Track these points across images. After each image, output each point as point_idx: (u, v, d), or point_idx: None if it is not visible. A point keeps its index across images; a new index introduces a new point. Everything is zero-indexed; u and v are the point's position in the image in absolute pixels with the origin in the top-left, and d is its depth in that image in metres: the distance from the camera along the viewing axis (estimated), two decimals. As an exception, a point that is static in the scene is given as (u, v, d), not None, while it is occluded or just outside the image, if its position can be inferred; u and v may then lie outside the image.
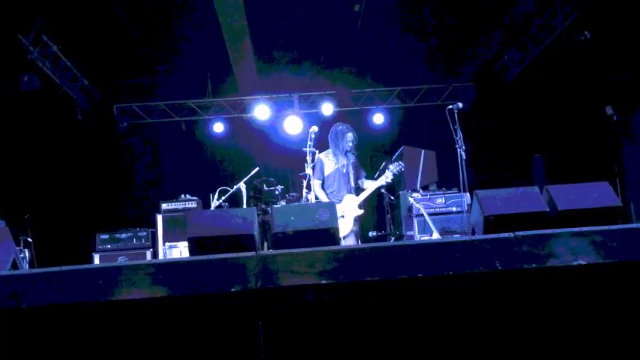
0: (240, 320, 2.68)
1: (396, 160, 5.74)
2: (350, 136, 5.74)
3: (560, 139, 8.37)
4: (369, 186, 5.64)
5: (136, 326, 2.67)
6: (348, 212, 5.50)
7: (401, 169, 5.63)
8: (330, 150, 5.84)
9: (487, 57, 9.13)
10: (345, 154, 5.73)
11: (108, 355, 2.65)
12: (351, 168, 5.71)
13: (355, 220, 5.55)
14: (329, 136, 5.86)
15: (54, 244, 7.05)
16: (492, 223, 3.30)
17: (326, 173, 5.73)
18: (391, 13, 7.87)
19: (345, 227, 5.43)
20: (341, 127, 5.84)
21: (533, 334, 2.74)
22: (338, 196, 5.60)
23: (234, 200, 6.65)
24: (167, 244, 7.57)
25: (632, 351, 2.74)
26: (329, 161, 5.75)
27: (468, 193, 5.56)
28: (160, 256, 7.47)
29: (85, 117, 9.03)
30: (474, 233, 3.56)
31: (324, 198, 5.63)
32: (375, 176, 5.77)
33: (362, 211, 5.59)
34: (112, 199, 9.01)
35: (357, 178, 5.77)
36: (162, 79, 9.28)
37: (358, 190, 5.72)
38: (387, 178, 5.57)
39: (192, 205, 7.82)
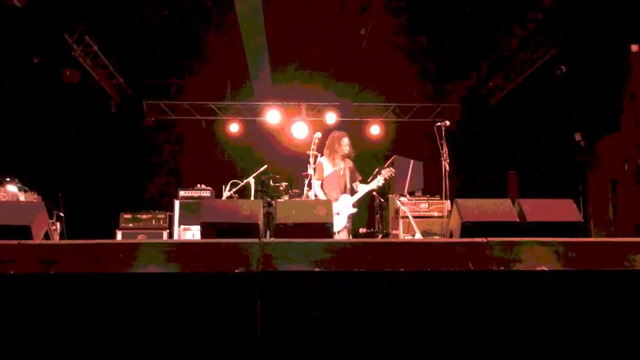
0: (240, 298, 2.68)
1: (389, 167, 5.73)
2: (345, 140, 5.74)
3: (534, 158, 8.37)
4: (362, 189, 5.63)
5: (149, 297, 2.68)
6: (343, 210, 5.50)
7: (392, 174, 5.63)
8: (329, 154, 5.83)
9: (474, 82, 9.14)
10: (343, 159, 5.73)
11: (123, 321, 2.65)
12: (348, 172, 5.70)
13: (349, 217, 5.54)
14: (327, 142, 5.85)
15: (82, 219, 7.05)
16: (468, 228, 3.30)
17: (325, 175, 5.73)
18: (391, 38, 7.88)
19: (340, 223, 5.42)
20: (337, 133, 5.85)
21: (496, 329, 2.75)
22: (335, 196, 5.59)
23: (244, 192, 6.64)
24: (182, 226, 7.57)
25: (580, 346, 2.74)
26: (328, 164, 5.74)
27: (448, 201, 5.57)
28: (175, 237, 7.47)
29: (117, 110, 9.03)
30: (451, 236, 3.56)
31: (322, 197, 5.62)
32: (369, 180, 5.77)
33: (355, 210, 5.59)
34: (136, 184, 9.01)
35: (352, 181, 5.75)
36: (187, 81, 9.29)
37: (352, 192, 5.70)
38: (378, 182, 5.57)
39: (207, 194, 7.82)
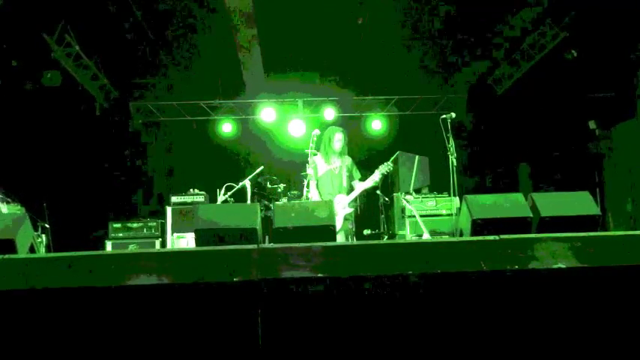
0: (240, 308, 2.68)
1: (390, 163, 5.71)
2: (337, 136, 5.65)
3: (546, 149, 8.38)
4: (358, 187, 5.61)
5: (143, 311, 2.68)
6: (338, 211, 5.46)
7: (389, 169, 5.60)
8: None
9: (480, 71, 9.13)
10: (339, 156, 5.69)
11: (115, 337, 2.65)
12: (345, 169, 5.66)
13: (346, 218, 5.52)
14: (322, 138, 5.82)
15: (69, 230, 7.04)
16: (479, 226, 3.30)
17: (319, 174, 5.69)
18: (391, 27, 7.88)
19: (336, 225, 5.38)
20: (330, 129, 5.80)
21: (512, 332, 2.74)
22: (329, 196, 5.56)
23: (239, 196, 6.63)
24: (175, 234, 7.55)
25: (600, 346, 2.74)
26: (322, 163, 5.71)
27: (457, 198, 5.55)
28: (168, 246, 7.46)
29: (102, 113, 9.03)
30: (461, 235, 3.56)
31: (316, 197, 5.59)
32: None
33: (351, 210, 5.55)
34: (126, 191, 9.00)
35: (350, 179, 5.72)
36: (176, 80, 9.28)
37: (350, 190, 5.67)
38: (373, 180, 5.54)
39: (200, 199, 7.81)
